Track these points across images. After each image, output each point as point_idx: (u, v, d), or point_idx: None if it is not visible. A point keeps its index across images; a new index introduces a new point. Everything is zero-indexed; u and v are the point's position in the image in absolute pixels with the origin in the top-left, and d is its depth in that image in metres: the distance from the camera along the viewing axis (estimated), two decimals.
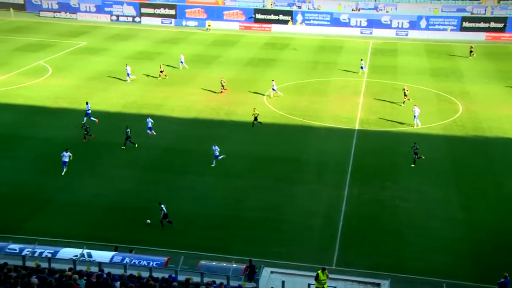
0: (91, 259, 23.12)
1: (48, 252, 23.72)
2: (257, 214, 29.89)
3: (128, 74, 52.02)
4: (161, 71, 53.32)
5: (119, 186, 32.56)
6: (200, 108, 43.20)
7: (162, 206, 28.26)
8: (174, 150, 37.66)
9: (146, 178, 33.62)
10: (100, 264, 21.84)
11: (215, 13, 79.56)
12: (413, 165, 35.06)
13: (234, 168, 34.71)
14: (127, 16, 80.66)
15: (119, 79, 52.22)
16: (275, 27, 77.02)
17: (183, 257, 22.06)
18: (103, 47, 65.21)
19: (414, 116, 41.58)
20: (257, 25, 77.56)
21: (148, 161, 35.72)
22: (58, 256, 23.57)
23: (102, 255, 23.59)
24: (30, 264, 23.10)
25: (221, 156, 34.70)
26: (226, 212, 30.06)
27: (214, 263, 23.58)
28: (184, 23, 78.93)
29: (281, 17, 78.18)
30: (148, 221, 28.63)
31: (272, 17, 78.35)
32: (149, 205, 30.28)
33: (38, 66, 55.63)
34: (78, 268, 20.93)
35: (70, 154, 33.74)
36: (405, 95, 46.46)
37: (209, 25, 77.47)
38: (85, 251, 23.76)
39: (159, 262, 23.36)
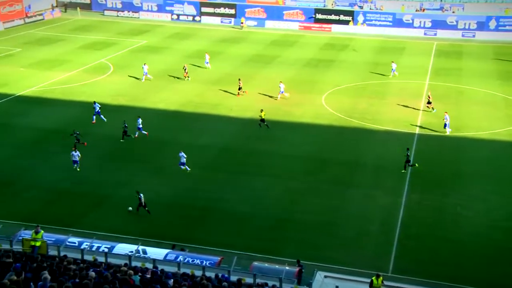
0: (146, 255, 23.66)
1: (105, 247, 24.45)
2: (312, 217, 29.78)
3: (145, 73, 52.04)
4: (184, 70, 52.66)
5: (178, 184, 33.16)
6: (257, 109, 43.42)
7: (141, 195, 29.54)
8: (230, 150, 38.03)
9: (203, 177, 34.09)
10: (154, 261, 22.33)
11: (275, 13, 79.71)
12: (403, 171, 34.22)
13: (290, 170, 34.71)
14: (187, 15, 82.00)
15: (178, 78, 53.15)
16: (335, 28, 76.42)
17: (236, 258, 22.25)
18: (163, 45, 66.57)
19: (445, 124, 40.09)
20: (317, 25, 77.18)
21: (205, 161, 36.22)
22: (115, 251, 24.24)
23: (157, 252, 24.11)
24: (87, 257, 23.92)
25: (187, 168, 34.29)
26: (281, 213, 30.10)
27: (267, 264, 23.67)
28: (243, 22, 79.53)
29: (342, 17, 77.48)
30: (130, 208, 29.67)
31: (333, 17, 77.75)
32: (207, 204, 30.75)
33: (101, 64, 57.40)
34: (133, 264, 21.46)
35: (79, 154, 34.38)
36: (429, 102, 44.94)
37: (242, 22, 77.85)
38: (140, 247, 24.34)
39: (212, 262, 23.65)
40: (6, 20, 76.67)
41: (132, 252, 23.69)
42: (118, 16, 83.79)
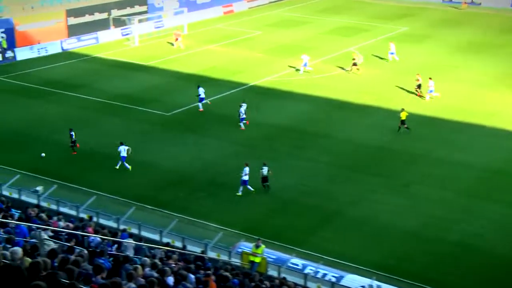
0: None
1: (333, 276, 24.49)
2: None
3: (304, 65, 52.46)
4: (353, 65, 52.18)
5: (424, 209, 31.95)
6: None
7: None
8: (499, 172, 35.58)
9: (458, 204, 32.40)
10: None
11: None
12: None
13: None
14: None
15: (443, 75, 51.17)
16: None
17: None
18: (426, 33, 65.09)
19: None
20: None
21: (463, 184, 34.35)
22: (343, 282, 24.16)
23: None
24: (312, 285, 24.20)
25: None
26: None
27: None
28: None
29: None
30: (43, 154, 32.92)
31: None
32: (461, 239, 29.16)
33: (346, 54, 58.17)
34: None
35: (128, 147, 34.94)
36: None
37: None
38: (375, 282, 23.85)
39: None
40: None
41: (364, 287, 23.35)
42: None
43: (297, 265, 25.16)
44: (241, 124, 41.24)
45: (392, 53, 55.95)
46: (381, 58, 56.53)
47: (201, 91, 44.27)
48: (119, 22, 65.07)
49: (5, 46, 55.91)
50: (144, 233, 27.99)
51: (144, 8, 68.89)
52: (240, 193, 32.83)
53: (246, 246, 26.07)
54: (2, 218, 20.10)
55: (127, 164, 35.09)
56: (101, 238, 20.99)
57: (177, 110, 44.50)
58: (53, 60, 56.43)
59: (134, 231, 27.71)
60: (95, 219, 27.68)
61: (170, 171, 35.43)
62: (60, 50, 59.21)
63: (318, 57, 56.98)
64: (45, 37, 59.04)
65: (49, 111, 44.30)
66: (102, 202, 30.62)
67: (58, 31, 60.52)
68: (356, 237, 29.65)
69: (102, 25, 64.19)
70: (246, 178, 32.69)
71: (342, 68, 53.55)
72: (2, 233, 16.93)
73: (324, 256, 26.91)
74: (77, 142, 37.19)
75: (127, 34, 64.41)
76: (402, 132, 40.53)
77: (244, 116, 41.16)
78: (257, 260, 25.14)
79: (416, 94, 47.13)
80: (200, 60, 56.64)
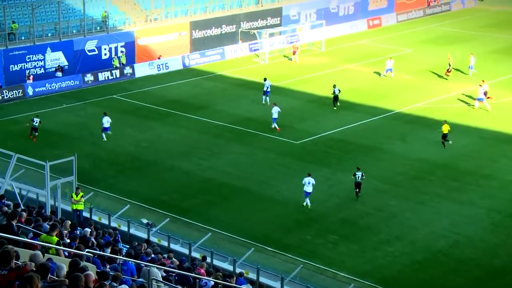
0: None
1: None
2: None
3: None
4: (448, 70, 56.42)
5: None
6: None
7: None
8: None
9: None
10: None
11: None
12: None
13: None
14: None
15: None
16: None
17: None
18: None
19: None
20: None
21: None
22: None
23: None
24: None
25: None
26: None
27: None
28: None
29: None
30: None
31: None
32: None
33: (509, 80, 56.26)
34: None
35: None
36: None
37: None
38: None
39: None
40: (402, 11, 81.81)
41: None
42: None
43: None
44: (274, 124, 45.63)
45: (470, 67, 57.30)
46: None
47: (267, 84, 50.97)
48: (248, 36, 66.85)
49: (124, 61, 58.96)
50: (263, 279, 28.28)
51: (277, 21, 70.44)
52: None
53: None
54: (109, 253, 21.06)
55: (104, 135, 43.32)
56: (214, 281, 21.41)
57: (308, 138, 44.84)
58: (173, 77, 58.81)
59: (252, 275, 28.08)
60: (208, 259, 28.30)
61: (297, 209, 35.65)
62: (181, 67, 61.63)
63: (493, 78, 56.10)
64: (167, 51, 61.74)
65: (165, 134, 45.98)
66: (218, 240, 31.32)
67: (180, 45, 63.14)
68: None
69: (229, 39, 66.25)
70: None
71: None
72: (109, 270, 17.63)
73: None
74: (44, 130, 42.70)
75: (256, 50, 66.03)
76: None
77: (276, 117, 45.51)
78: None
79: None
80: (337, 81, 56.78)
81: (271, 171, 39.98)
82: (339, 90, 49.98)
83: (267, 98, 50.66)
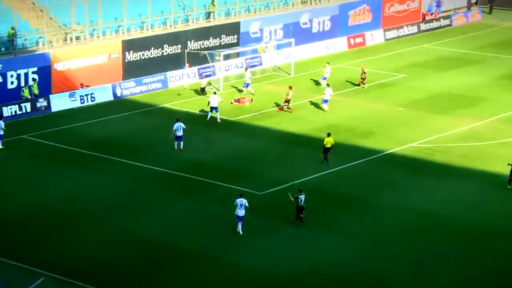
0: None
1: None
2: None
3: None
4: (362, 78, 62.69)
5: None
6: None
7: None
8: None
9: None
10: None
11: None
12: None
13: None
14: None
15: None
16: None
17: None
18: None
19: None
20: None
21: None
22: None
23: None
24: None
25: None
26: None
27: None
28: None
29: None
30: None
31: None
32: None
33: None
34: None
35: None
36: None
37: None
38: None
39: None
40: (391, 26, 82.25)
41: None
42: None
43: None
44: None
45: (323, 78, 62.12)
46: None
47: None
48: (197, 59, 66.43)
49: (36, 92, 57.91)
50: None
51: (233, 39, 70.34)
52: None
53: None
54: None
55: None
56: None
57: (273, 188, 44.36)
58: (101, 111, 58.07)
59: None
60: None
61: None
62: (111, 98, 61.13)
63: (493, 115, 56.09)
64: (92, 79, 60.93)
65: (90, 186, 45.10)
66: None
67: (110, 71, 62.41)
68: None
69: (173, 62, 66.05)
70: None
71: None
72: None
73: None
74: None
75: (208, 76, 65.63)
76: None
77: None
78: None
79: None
80: (311, 116, 56.62)
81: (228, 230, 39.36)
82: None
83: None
